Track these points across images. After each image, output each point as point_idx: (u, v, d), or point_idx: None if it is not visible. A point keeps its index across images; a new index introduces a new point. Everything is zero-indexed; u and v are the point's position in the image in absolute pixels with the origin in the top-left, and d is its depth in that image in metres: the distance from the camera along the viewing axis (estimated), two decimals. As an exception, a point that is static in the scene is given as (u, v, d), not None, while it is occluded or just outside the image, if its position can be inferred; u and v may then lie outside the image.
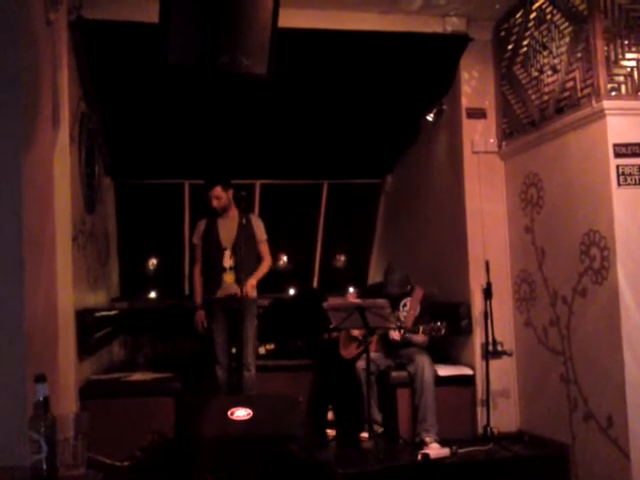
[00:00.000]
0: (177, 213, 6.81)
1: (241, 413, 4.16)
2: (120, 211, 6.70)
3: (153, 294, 6.88)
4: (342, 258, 7.49)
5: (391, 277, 5.42)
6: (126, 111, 5.63)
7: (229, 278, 5.27)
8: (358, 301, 4.93)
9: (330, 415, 5.16)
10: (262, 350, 6.30)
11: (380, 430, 5.10)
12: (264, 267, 5.40)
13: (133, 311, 6.48)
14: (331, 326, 5.21)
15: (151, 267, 6.95)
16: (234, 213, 5.36)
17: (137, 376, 5.27)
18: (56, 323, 3.77)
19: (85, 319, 4.68)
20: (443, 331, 4.95)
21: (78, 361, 4.54)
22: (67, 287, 4.26)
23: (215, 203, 5.32)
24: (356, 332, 5.33)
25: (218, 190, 5.29)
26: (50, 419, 2.11)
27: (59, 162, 4.19)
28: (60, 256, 3.98)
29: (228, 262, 5.30)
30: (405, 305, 5.37)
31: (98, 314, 5.31)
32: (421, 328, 5.03)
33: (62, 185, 4.25)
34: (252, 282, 5.24)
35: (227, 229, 5.34)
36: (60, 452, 2.15)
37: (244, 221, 5.23)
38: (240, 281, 5.07)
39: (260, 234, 5.42)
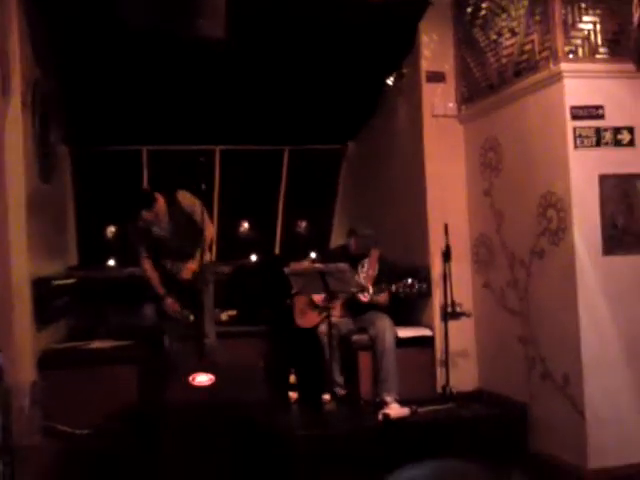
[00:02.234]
0: (135, 179, 6.69)
1: (203, 379, 4.16)
2: (77, 179, 6.56)
3: (112, 262, 6.79)
4: (304, 224, 7.46)
5: (362, 233, 5.40)
6: (82, 77, 5.48)
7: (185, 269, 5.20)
8: (320, 266, 4.93)
9: (292, 378, 5.18)
10: (224, 317, 6.28)
11: (343, 392, 5.16)
12: (207, 239, 5.18)
13: (92, 280, 6.38)
14: (293, 291, 5.22)
15: (109, 235, 6.84)
16: (162, 208, 5.13)
17: (96, 344, 5.22)
18: (10, 292, 3.71)
19: (41, 288, 4.61)
20: (416, 286, 4.97)
21: (35, 330, 4.48)
22: (21, 256, 4.18)
23: (142, 223, 5.13)
24: (317, 299, 5.33)
25: (144, 214, 5.08)
26: (4, 388, 2.08)
27: (11, 130, 4.10)
28: (13, 225, 3.91)
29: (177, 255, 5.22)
30: (364, 266, 5.40)
31: (55, 283, 5.23)
32: (394, 287, 5.04)
33: (15, 153, 4.16)
34: (190, 266, 5.13)
35: (161, 227, 5.18)
36: (15, 421, 2.12)
37: (172, 209, 5.09)
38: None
39: (190, 206, 5.16)
